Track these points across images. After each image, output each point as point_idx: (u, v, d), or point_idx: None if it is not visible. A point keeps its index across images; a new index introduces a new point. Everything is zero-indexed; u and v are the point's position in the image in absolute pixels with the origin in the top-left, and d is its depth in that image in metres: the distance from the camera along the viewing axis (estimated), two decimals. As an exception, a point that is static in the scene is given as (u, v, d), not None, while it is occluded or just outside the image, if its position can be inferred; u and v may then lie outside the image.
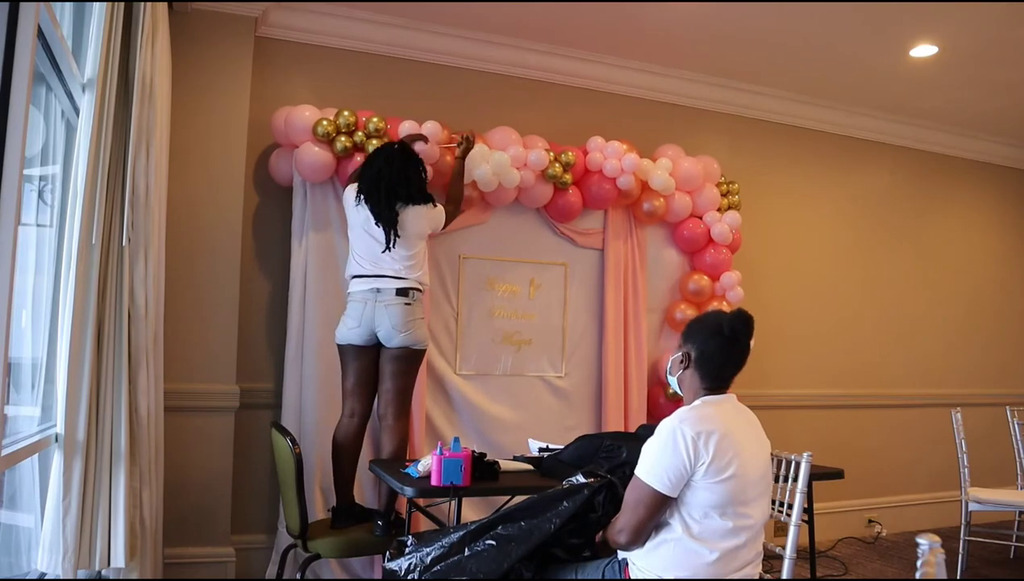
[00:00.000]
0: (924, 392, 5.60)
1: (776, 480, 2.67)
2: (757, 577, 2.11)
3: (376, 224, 3.32)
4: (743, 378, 4.16)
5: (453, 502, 2.78)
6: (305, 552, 3.14)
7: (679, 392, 2.26)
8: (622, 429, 4.21)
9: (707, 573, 2.00)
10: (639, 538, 2.06)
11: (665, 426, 2.05)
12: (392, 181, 3.32)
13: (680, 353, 2.20)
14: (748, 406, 2.30)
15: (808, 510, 3.43)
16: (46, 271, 2.58)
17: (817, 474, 3.40)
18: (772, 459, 2.70)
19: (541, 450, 3.35)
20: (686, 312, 4.43)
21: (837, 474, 3.49)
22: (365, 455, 3.82)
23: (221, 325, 3.68)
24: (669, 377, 2.32)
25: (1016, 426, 4.84)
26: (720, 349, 2.14)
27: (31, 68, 1.83)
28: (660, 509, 2.02)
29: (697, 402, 2.15)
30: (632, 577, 2.12)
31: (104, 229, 2.44)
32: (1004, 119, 5.47)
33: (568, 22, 4.17)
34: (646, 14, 4.04)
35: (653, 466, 2.01)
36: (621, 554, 2.17)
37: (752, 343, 2.20)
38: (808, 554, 3.66)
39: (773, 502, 2.68)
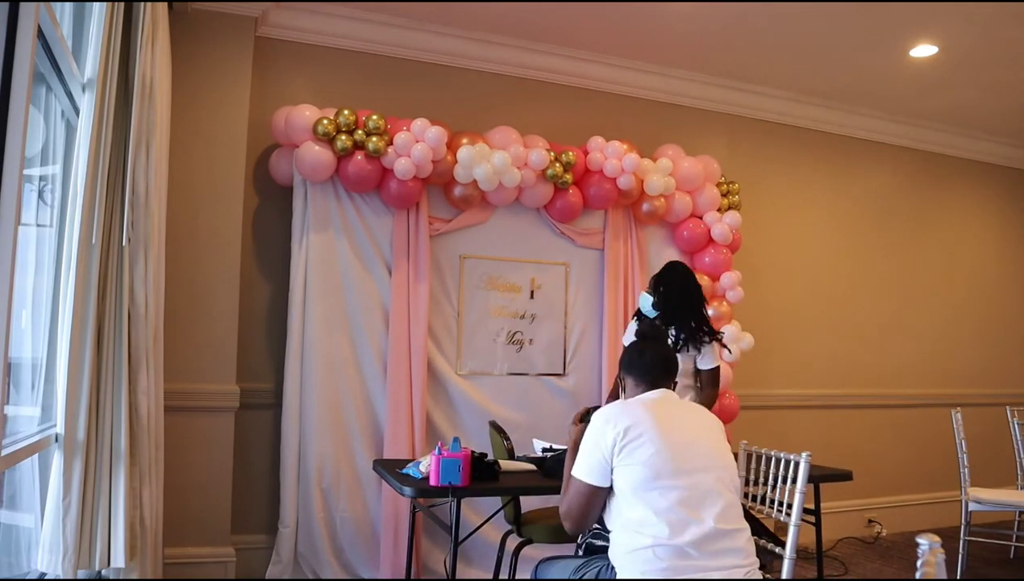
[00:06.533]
0: (924, 392, 5.60)
1: (776, 480, 2.66)
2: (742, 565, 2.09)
3: None
4: (744, 378, 4.19)
5: (452, 503, 2.78)
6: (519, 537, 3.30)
7: None
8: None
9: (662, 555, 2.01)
10: (578, 527, 2.22)
11: (590, 423, 2.23)
12: None
13: (617, 380, 2.47)
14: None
15: (815, 511, 3.41)
16: (46, 271, 2.57)
17: (824, 476, 3.38)
18: (771, 459, 2.70)
19: (544, 450, 3.34)
20: (686, 312, 4.43)
21: (845, 476, 3.47)
22: (366, 456, 3.83)
23: (221, 325, 3.68)
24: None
25: (1016, 426, 4.84)
26: (635, 347, 2.40)
27: (31, 68, 1.83)
28: (594, 500, 2.16)
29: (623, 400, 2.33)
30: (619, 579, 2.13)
31: (104, 229, 2.44)
32: (1004, 119, 5.47)
33: (568, 22, 4.17)
34: (646, 14, 4.04)
35: (581, 460, 2.19)
36: (610, 554, 2.17)
37: (670, 348, 2.49)
38: (808, 553, 3.65)
39: (773, 501, 2.67)
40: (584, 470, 2.16)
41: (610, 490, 2.15)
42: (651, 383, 2.28)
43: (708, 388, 3.45)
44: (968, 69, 4.59)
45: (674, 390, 2.33)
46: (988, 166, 6.00)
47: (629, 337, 3.54)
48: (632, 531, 2.06)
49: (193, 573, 3.54)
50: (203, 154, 3.68)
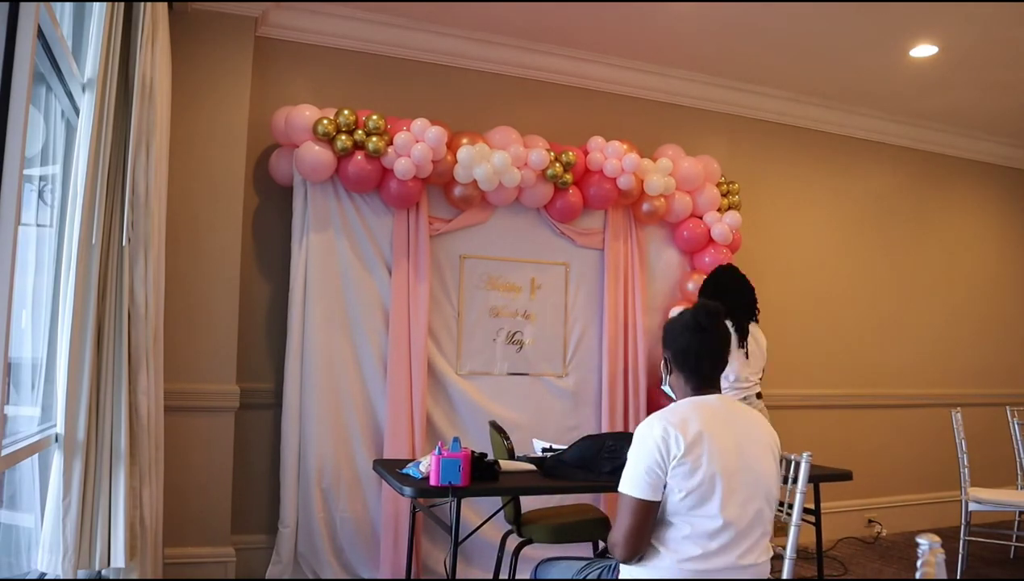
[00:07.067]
0: (924, 392, 5.60)
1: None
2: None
3: None
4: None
5: (453, 503, 2.78)
6: (519, 537, 3.29)
7: (674, 398, 2.26)
8: (623, 430, 4.21)
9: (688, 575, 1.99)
10: (634, 549, 2.03)
11: (637, 430, 2.06)
12: None
13: (663, 360, 2.23)
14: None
15: (815, 511, 3.42)
16: (46, 271, 2.57)
17: (825, 475, 3.39)
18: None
19: (544, 450, 3.34)
20: (686, 312, 4.43)
21: (845, 476, 3.47)
22: (366, 456, 3.83)
23: (221, 325, 3.68)
24: (663, 387, 2.32)
25: (1016, 426, 4.84)
26: (690, 341, 2.12)
27: (31, 68, 1.83)
28: (647, 516, 2.00)
29: (676, 403, 2.15)
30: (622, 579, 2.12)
31: (104, 229, 2.43)
32: (1004, 119, 5.47)
33: (568, 22, 4.17)
34: (646, 14, 4.04)
35: (630, 474, 2.02)
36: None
37: (725, 333, 2.18)
38: (808, 553, 3.65)
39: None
40: (636, 484, 1.99)
41: None
42: (698, 384, 2.12)
43: None
44: (968, 69, 4.59)
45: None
46: (988, 166, 6.00)
47: None
48: (660, 543, 2.02)
49: (193, 573, 3.54)
50: (203, 154, 3.68)
